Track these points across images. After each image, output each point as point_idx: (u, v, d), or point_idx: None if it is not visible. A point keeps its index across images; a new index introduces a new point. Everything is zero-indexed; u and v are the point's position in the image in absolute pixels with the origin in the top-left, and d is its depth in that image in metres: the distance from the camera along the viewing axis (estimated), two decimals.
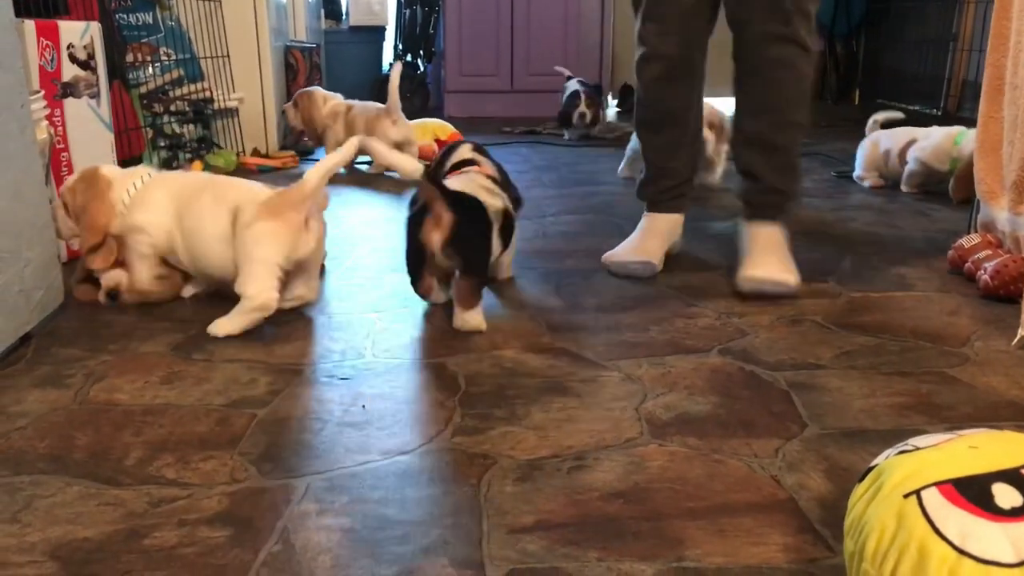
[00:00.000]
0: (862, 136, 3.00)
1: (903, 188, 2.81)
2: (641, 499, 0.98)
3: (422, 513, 0.95)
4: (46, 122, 1.82)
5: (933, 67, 5.11)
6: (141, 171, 1.70)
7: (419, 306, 1.68)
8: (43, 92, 1.84)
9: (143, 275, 1.64)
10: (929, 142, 2.71)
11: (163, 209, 1.62)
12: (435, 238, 1.47)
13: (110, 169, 1.70)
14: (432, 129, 3.61)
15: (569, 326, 1.56)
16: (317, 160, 3.50)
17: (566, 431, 1.15)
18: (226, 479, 1.02)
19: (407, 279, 1.59)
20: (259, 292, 1.48)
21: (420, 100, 5.29)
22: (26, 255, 1.45)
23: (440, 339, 1.50)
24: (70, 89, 1.98)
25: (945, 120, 3.25)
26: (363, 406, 1.23)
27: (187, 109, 3.00)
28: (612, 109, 5.76)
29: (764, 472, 1.04)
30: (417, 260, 1.55)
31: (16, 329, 1.42)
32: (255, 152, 3.41)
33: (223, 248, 1.55)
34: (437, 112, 5.05)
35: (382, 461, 1.07)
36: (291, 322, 1.58)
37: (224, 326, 1.50)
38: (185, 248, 1.61)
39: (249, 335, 1.50)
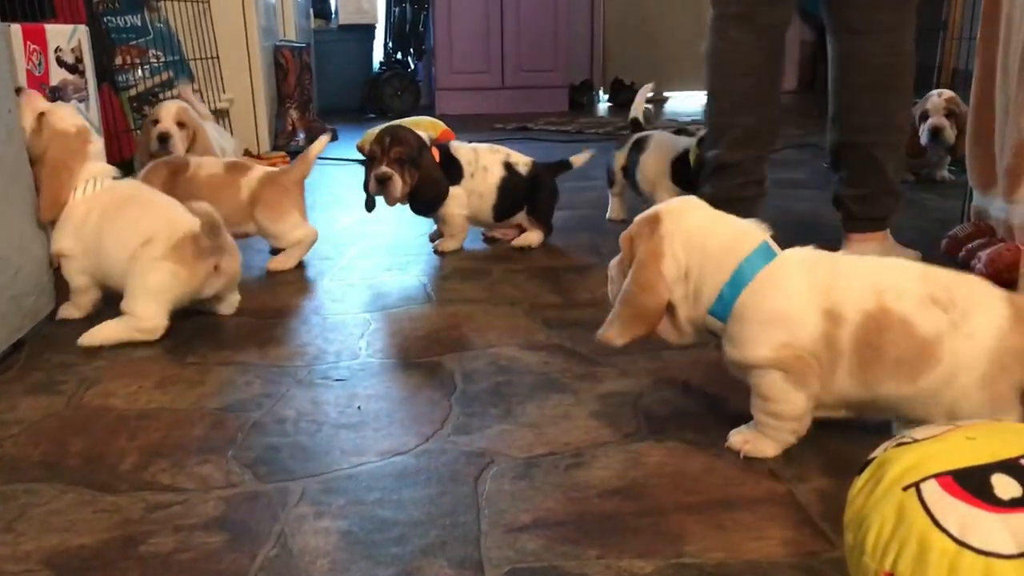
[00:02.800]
0: None
1: None
2: (639, 495, 0.98)
3: (419, 513, 0.95)
4: None
5: (923, 56, 5.11)
6: (104, 170, 1.59)
7: (413, 305, 1.67)
8: None
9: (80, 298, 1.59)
10: None
11: (89, 229, 1.53)
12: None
13: (94, 137, 1.59)
14: (424, 127, 3.60)
15: (564, 322, 1.56)
16: None
17: (563, 428, 1.14)
18: (222, 483, 1.02)
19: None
20: (150, 317, 1.46)
21: (411, 98, 5.27)
22: (16, 261, 1.44)
23: (435, 338, 1.50)
24: (59, 93, 1.96)
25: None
26: (359, 407, 1.22)
27: None
28: (604, 104, 5.76)
29: (763, 466, 1.04)
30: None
31: (8, 336, 1.41)
32: (246, 153, 3.40)
33: (125, 264, 1.49)
34: (428, 110, 5.04)
35: (379, 462, 1.06)
36: (285, 324, 1.57)
37: (96, 336, 1.45)
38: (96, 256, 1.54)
39: (242, 338, 1.49)
